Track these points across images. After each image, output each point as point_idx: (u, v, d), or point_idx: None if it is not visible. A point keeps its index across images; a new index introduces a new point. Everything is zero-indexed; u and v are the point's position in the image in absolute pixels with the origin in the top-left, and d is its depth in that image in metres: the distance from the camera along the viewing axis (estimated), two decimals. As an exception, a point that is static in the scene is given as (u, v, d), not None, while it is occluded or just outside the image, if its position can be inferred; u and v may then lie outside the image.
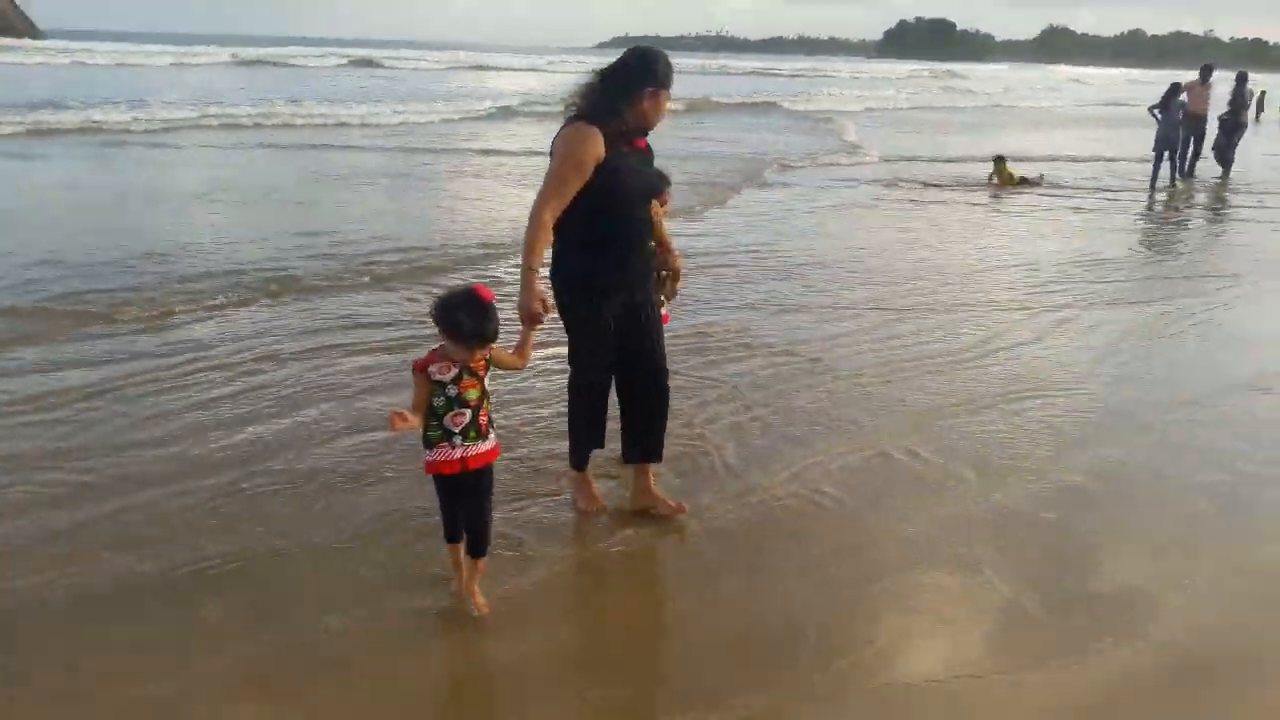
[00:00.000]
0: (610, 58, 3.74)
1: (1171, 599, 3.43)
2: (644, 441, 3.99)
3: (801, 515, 4.00)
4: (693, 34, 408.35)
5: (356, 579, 3.44)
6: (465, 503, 3.24)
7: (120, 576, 3.41)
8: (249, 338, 6.10)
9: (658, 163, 3.91)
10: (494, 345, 3.15)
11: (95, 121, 18.54)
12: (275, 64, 45.65)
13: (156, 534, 3.71)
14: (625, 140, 3.66)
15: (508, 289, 5.36)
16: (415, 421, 3.04)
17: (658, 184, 3.90)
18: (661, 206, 4.05)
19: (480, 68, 54.44)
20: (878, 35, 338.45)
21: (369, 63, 53.18)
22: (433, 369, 3.10)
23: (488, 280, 7.31)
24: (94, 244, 8.42)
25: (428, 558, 3.54)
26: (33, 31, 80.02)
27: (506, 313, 3.22)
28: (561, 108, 3.76)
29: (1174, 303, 7.69)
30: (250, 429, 4.68)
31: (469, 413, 3.14)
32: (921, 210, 12.31)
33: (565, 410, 4.09)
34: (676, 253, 4.13)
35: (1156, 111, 15.06)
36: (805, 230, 10.58)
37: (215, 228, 9.60)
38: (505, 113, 25.14)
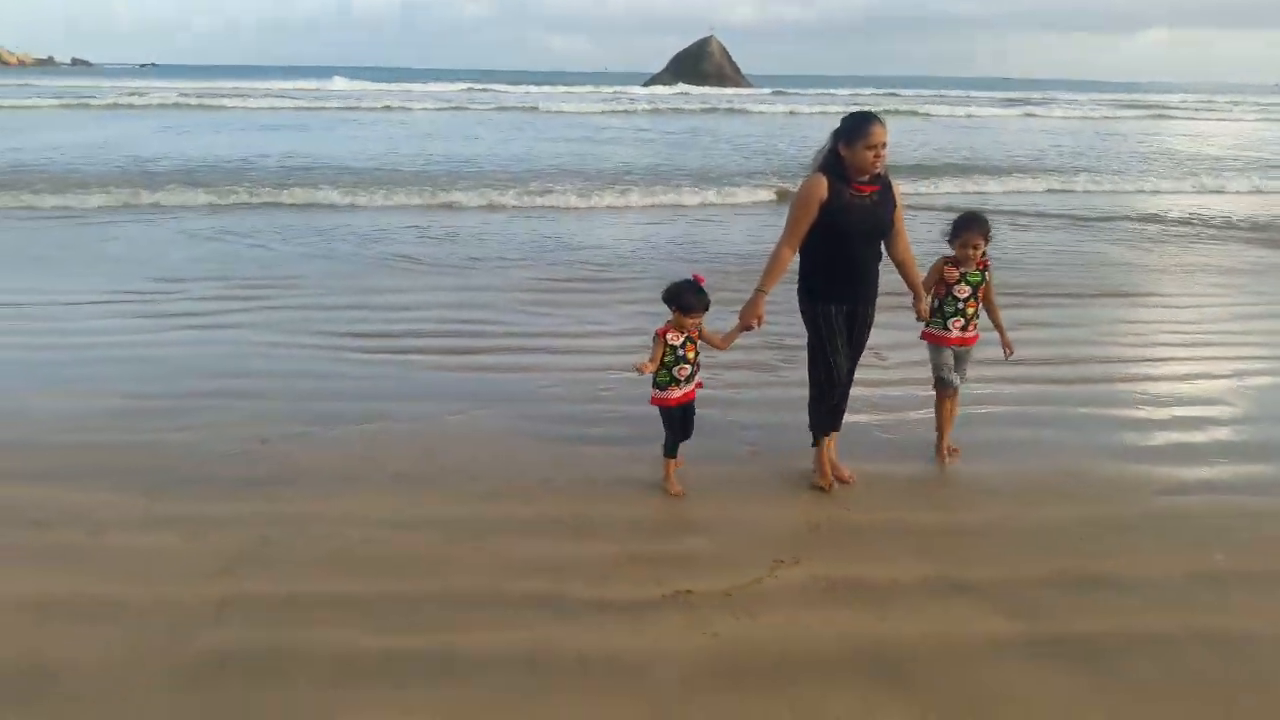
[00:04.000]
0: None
1: None
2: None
3: None
4: None
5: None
6: (684, 421, 4.72)
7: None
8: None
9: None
10: (705, 327, 4.57)
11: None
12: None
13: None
14: (850, 185, 4.42)
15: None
16: (651, 369, 4.48)
17: (881, 222, 4.52)
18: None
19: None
20: None
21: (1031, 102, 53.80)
22: (669, 335, 4.53)
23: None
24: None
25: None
26: (743, 80, 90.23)
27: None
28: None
29: None
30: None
31: (689, 367, 4.60)
32: None
33: None
34: (922, 294, 4.86)
35: None
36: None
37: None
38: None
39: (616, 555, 4.07)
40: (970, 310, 5.04)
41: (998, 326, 5.15)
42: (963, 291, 5.01)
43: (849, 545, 4.23)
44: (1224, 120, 44.66)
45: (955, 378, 5.11)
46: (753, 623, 3.60)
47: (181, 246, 11.14)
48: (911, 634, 3.54)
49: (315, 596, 3.73)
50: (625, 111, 41.69)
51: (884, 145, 4.37)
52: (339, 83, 56.69)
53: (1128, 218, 14.80)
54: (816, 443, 4.86)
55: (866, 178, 4.44)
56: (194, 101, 38.90)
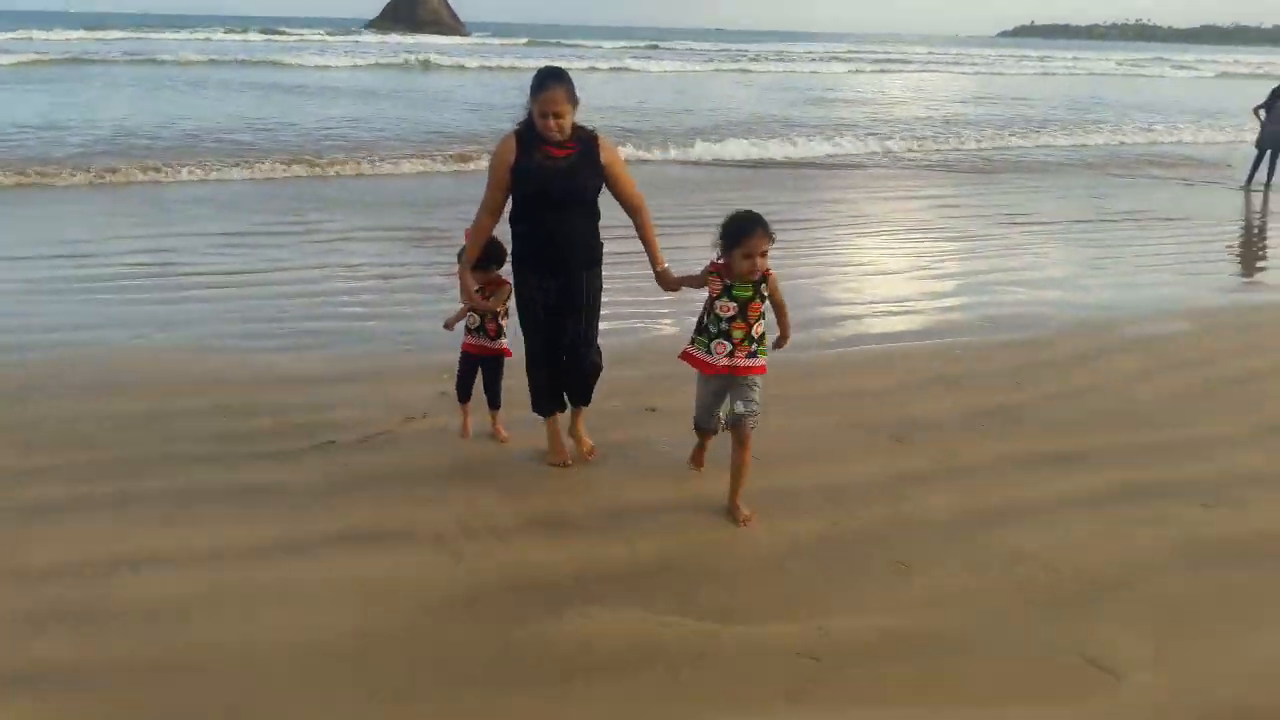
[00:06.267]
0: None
1: None
2: (575, 397, 4.73)
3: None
4: (1106, 23, 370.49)
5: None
6: (486, 374, 4.90)
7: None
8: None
9: None
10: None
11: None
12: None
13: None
14: (541, 148, 4.14)
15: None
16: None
17: (576, 188, 4.16)
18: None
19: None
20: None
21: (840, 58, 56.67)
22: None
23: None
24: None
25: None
26: (461, 28, 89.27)
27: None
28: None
29: None
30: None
31: (478, 318, 4.76)
32: None
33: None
34: (662, 263, 4.34)
35: (1261, 111, 15.05)
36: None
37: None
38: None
39: (276, 425, 5.03)
40: (739, 332, 3.94)
41: (780, 322, 4.13)
42: (727, 309, 3.95)
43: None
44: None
45: (715, 419, 4.21)
46: (378, 456, 4.72)
47: None
48: (501, 451, 4.85)
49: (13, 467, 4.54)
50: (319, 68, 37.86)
51: (558, 113, 4.06)
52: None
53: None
54: (546, 417, 4.74)
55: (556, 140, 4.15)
56: None
